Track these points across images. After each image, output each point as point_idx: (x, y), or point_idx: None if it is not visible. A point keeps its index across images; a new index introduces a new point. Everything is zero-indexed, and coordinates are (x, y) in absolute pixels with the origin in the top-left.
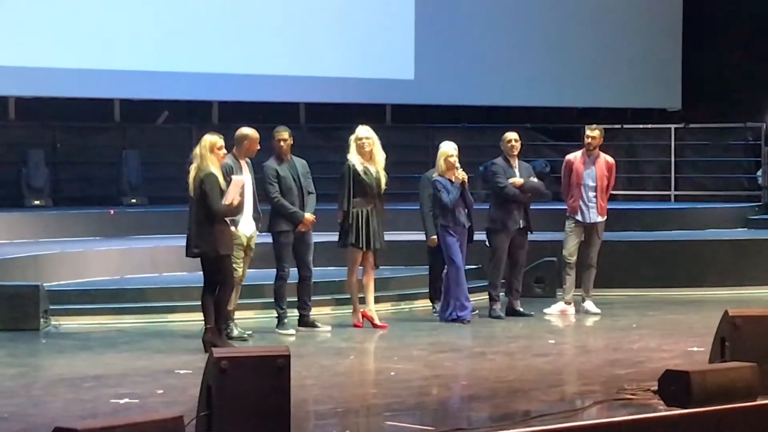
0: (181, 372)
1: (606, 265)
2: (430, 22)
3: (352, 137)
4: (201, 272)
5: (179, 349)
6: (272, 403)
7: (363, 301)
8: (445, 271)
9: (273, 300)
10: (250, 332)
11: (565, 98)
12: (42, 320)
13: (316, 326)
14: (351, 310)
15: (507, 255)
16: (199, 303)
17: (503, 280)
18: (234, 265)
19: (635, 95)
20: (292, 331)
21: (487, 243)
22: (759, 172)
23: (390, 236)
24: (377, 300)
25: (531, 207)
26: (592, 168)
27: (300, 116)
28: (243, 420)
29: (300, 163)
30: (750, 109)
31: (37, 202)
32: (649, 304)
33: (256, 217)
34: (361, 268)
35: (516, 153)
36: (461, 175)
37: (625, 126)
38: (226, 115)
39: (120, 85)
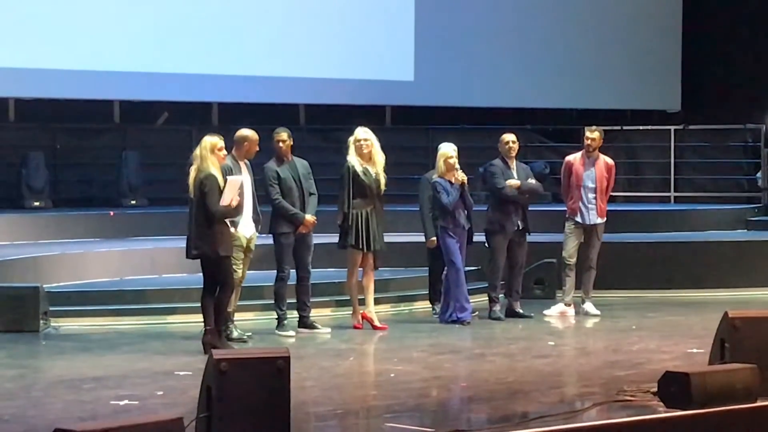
0: (181, 373)
1: (606, 266)
2: (430, 23)
3: (351, 139)
4: (201, 274)
5: (179, 351)
6: (272, 404)
7: (363, 302)
8: (444, 272)
9: (273, 301)
10: (249, 334)
11: (564, 100)
12: (42, 322)
13: (316, 328)
14: (351, 312)
15: (506, 256)
16: (199, 304)
17: (502, 282)
18: (234, 267)
19: (635, 97)
20: (291, 333)
21: (486, 244)
22: (758, 174)
23: (390, 238)
24: (377, 301)
25: (531, 208)
26: (591, 169)
27: (300, 117)
28: (243, 421)
29: (301, 164)
30: (749, 110)
31: (36, 204)
32: (649, 306)
33: (256, 219)
34: (360, 269)
35: (514, 155)
36: (461, 176)
37: (624, 127)
38: (226, 117)
39: (120, 86)
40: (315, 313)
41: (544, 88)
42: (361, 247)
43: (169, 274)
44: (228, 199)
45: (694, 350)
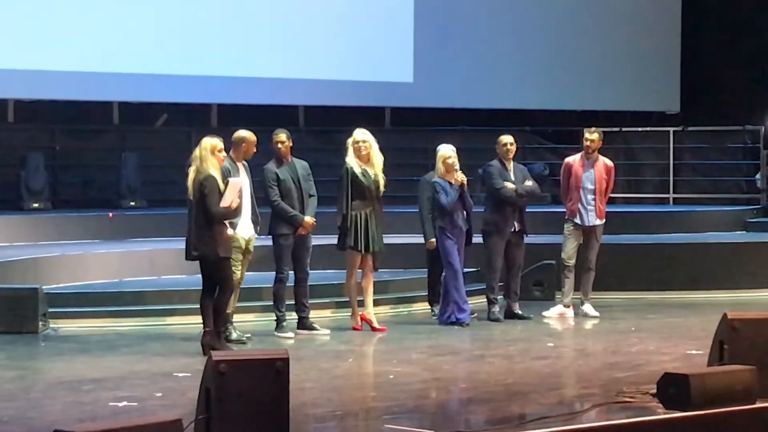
0: (180, 375)
1: (605, 268)
2: (430, 25)
3: (350, 140)
4: (200, 275)
5: (178, 352)
6: (271, 406)
7: (362, 304)
8: (443, 274)
9: (272, 303)
10: (248, 335)
11: (564, 101)
12: (41, 323)
13: (315, 329)
14: (350, 313)
15: (504, 257)
16: (198, 306)
17: (501, 283)
18: (233, 268)
19: (634, 98)
20: (290, 334)
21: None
22: (757, 175)
23: (389, 239)
24: (376, 303)
25: (530, 210)
26: (591, 171)
27: (299, 119)
28: (242, 423)
29: (301, 166)
30: (748, 112)
31: (36, 205)
32: (648, 307)
33: (255, 220)
34: (359, 271)
35: (511, 156)
36: (461, 177)
37: (624, 129)
38: (225, 118)
39: (119, 87)
40: (314, 315)
41: (543, 89)
42: (360, 248)
43: (168, 275)
44: (229, 200)
45: (693, 352)
